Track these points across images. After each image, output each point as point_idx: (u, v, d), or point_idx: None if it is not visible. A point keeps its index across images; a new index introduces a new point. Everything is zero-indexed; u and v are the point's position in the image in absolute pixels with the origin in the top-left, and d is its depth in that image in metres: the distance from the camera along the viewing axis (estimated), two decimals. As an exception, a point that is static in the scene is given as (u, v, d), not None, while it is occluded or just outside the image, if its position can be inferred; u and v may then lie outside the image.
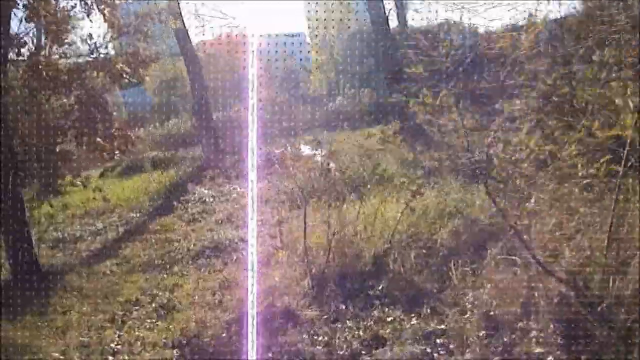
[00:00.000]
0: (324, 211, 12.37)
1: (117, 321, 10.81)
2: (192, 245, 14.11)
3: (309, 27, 37.52)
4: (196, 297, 11.18)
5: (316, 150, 22.19)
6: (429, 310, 9.72)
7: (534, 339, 8.41)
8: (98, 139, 12.74)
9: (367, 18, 28.06)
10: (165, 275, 12.80)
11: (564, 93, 9.60)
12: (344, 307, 10.25)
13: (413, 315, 9.78)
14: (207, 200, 18.44)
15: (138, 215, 17.94)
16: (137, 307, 11.32)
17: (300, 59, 38.73)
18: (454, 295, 9.78)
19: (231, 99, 27.49)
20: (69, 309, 11.44)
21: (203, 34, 27.74)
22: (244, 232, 14.13)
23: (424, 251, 11.28)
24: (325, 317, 10.00)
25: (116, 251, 14.67)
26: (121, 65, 12.93)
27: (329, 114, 29.84)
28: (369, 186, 14.71)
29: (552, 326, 8.39)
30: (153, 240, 15.10)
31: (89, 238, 16.05)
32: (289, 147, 22.95)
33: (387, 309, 10.03)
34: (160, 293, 11.72)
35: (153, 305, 11.25)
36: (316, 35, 37.09)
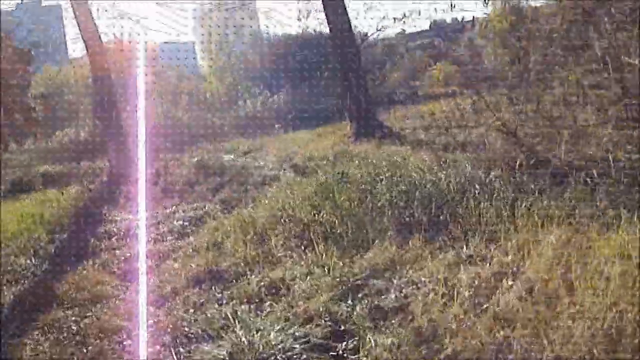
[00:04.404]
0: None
1: None
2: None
3: (202, 35, 29.31)
4: None
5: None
6: None
7: None
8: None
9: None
10: None
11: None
12: None
13: None
14: (138, 232, 9.24)
15: (34, 262, 8.43)
16: None
17: (191, 66, 30.52)
18: None
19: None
20: None
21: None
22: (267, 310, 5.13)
23: None
24: None
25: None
26: None
27: (240, 119, 21.43)
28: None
29: None
30: (73, 341, 5.69)
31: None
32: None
33: None
34: None
35: None
36: (210, 43, 29.15)
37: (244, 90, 24.36)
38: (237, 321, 4.88)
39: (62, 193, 12.66)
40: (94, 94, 15.81)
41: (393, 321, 4.51)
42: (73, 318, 6.03)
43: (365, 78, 15.61)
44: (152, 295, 6.31)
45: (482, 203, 6.40)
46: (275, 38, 28.23)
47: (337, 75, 17.33)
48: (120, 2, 19.47)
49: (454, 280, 4.84)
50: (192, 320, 5.33)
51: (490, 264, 5.12)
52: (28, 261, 8.43)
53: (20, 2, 14.19)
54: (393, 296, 4.88)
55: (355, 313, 4.80)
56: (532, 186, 6.89)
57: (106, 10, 16.88)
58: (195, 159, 13.98)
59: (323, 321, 4.71)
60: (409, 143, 12.15)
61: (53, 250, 9.04)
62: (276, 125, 17.75)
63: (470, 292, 4.47)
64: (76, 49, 21.70)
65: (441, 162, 8.58)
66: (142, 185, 10.54)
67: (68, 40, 22.92)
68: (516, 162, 7.64)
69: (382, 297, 4.97)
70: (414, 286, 4.94)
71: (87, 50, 15.42)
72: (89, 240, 9.00)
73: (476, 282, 4.63)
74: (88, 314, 6.12)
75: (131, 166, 14.21)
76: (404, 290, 4.90)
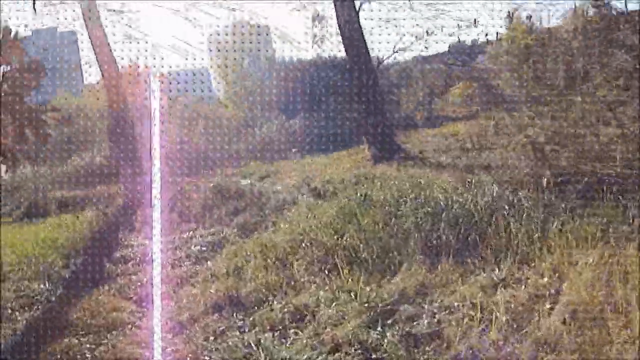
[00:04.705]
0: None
1: None
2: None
3: (216, 60, 29.42)
4: None
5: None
6: None
7: None
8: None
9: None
10: None
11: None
12: None
13: None
14: (154, 257, 8.99)
15: (48, 287, 8.25)
16: None
17: (205, 93, 30.34)
18: None
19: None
20: None
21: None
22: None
23: None
24: None
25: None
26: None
27: (256, 143, 21.40)
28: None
29: None
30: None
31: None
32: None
33: None
34: None
35: None
36: (225, 67, 29.26)
37: (260, 115, 24.33)
38: (260, 349, 4.64)
39: (78, 217, 12.51)
40: (110, 118, 15.71)
41: (428, 348, 4.26)
42: (88, 345, 5.83)
43: (382, 101, 15.42)
44: (170, 322, 6.10)
45: (511, 224, 6.15)
46: (290, 62, 28.28)
47: (353, 99, 17.15)
48: (136, 28, 19.43)
49: (489, 304, 4.58)
50: (213, 349, 5.09)
51: (525, 287, 4.87)
52: (42, 286, 8.26)
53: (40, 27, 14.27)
54: (426, 322, 4.62)
55: (386, 340, 4.54)
56: (563, 205, 6.64)
57: (129, 41, 16.93)
58: (212, 184, 13.80)
59: (352, 349, 4.46)
60: (429, 165, 11.92)
61: (68, 276, 8.86)
62: (293, 150, 17.57)
63: (508, 316, 4.20)
64: (91, 74, 21.62)
65: (466, 183, 8.33)
66: (158, 210, 10.37)
67: (83, 66, 22.96)
68: (544, 180, 7.40)
69: (414, 323, 4.70)
70: (447, 311, 4.69)
71: (102, 75, 15.36)
72: (105, 265, 8.81)
73: (513, 306, 4.36)
74: (103, 341, 5.90)
75: (147, 191, 14.05)
76: (436, 316, 4.65)
